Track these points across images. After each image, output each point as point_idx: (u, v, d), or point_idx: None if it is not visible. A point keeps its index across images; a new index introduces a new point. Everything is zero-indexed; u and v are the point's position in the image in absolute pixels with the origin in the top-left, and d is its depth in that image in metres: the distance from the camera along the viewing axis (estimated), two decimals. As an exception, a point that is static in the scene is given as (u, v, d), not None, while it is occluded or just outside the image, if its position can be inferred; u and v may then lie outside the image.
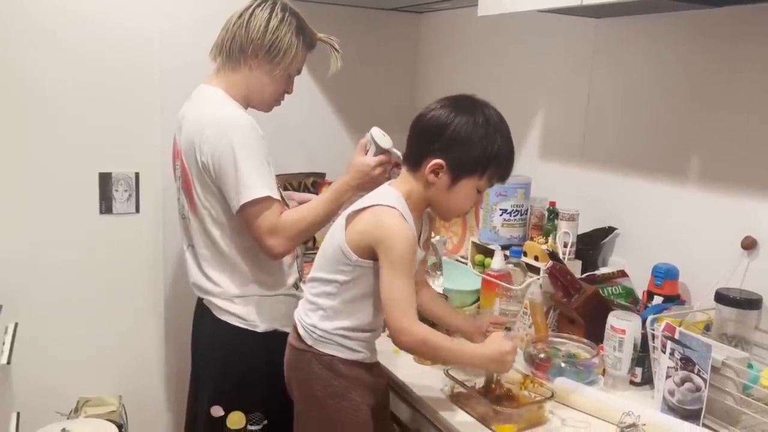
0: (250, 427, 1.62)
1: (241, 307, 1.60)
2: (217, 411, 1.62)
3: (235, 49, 1.58)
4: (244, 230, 1.54)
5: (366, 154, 1.54)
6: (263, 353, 1.57)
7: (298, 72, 1.67)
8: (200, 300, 1.68)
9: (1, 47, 1.95)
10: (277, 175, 1.63)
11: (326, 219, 1.55)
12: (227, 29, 1.60)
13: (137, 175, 2.19)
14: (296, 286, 1.69)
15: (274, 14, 1.56)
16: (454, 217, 1.39)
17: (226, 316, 1.60)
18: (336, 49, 1.68)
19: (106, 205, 2.16)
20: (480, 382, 1.36)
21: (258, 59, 1.58)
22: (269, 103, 1.68)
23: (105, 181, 2.15)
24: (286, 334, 1.52)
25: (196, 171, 1.55)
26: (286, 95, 1.71)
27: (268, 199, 1.49)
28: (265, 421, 1.64)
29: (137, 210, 2.21)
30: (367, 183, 1.52)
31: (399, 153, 1.48)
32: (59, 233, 2.10)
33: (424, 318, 1.54)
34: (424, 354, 1.38)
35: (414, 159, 1.29)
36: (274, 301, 1.63)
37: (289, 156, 2.26)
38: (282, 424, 1.54)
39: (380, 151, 1.52)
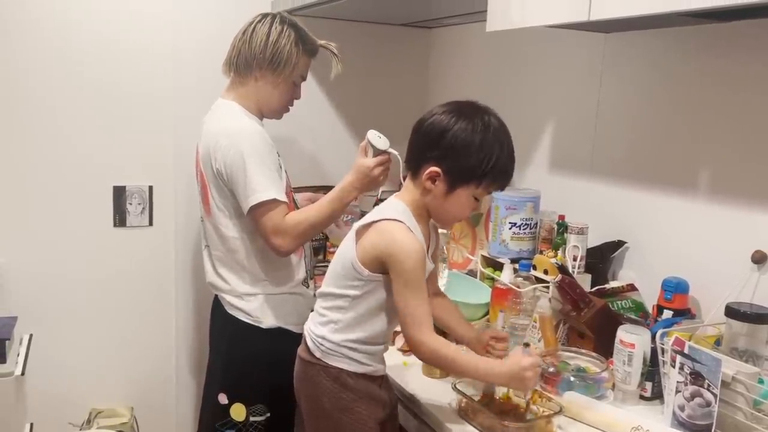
0: (252, 418, 1.72)
1: (249, 303, 1.72)
2: (222, 399, 1.74)
3: (241, 64, 1.70)
4: (253, 232, 1.67)
5: (366, 156, 1.61)
6: (267, 348, 1.70)
7: (303, 79, 1.78)
8: (216, 295, 1.82)
9: (16, 63, 2.00)
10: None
11: (330, 219, 1.68)
12: (234, 46, 1.72)
13: (151, 188, 2.22)
14: (306, 284, 1.78)
15: (273, 28, 1.68)
16: (451, 223, 1.42)
17: (234, 311, 1.73)
18: (335, 54, 1.79)
19: (119, 218, 2.19)
20: (498, 392, 1.36)
21: (262, 71, 1.69)
22: (278, 110, 1.78)
23: (119, 194, 2.18)
24: (290, 332, 1.67)
25: (212, 176, 1.66)
26: (295, 102, 1.81)
27: (274, 201, 1.60)
28: (268, 414, 1.72)
29: (150, 223, 2.24)
30: (369, 183, 1.62)
31: (397, 153, 1.56)
32: (73, 246, 2.13)
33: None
34: (441, 366, 1.38)
35: (413, 165, 1.30)
36: (280, 299, 1.73)
37: (300, 170, 2.28)
38: (285, 417, 1.62)
39: (378, 152, 1.60)
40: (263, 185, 1.59)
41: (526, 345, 1.38)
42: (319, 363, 1.34)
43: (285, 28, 1.69)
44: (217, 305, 1.80)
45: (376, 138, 1.60)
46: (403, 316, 1.25)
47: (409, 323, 1.25)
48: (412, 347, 1.27)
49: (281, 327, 1.71)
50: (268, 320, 1.71)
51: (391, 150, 1.60)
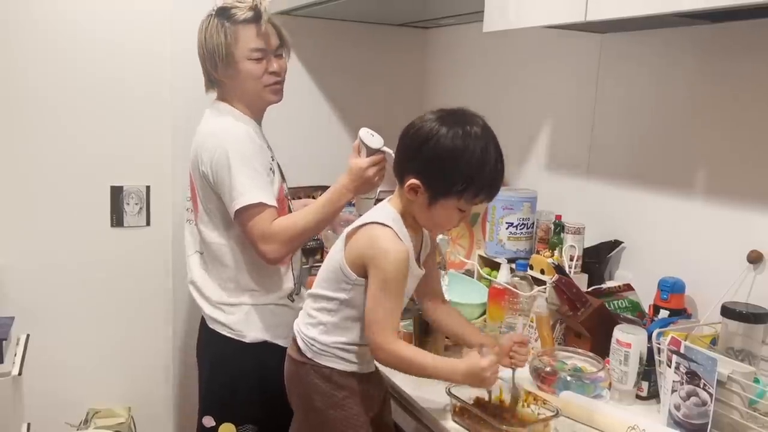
0: None
1: (230, 316, 1.61)
2: (208, 421, 1.64)
3: (207, 77, 1.64)
4: (240, 238, 1.58)
5: (360, 156, 1.53)
6: (251, 364, 1.60)
7: (258, 51, 1.58)
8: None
9: (15, 63, 2.00)
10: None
11: (322, 223, 1.57)
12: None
13: (148, 188, 2.22)
14: (291, 297, 1.68)
15: (202, 27, 1.60)
16: (440, 231, 1.40)
17: (215, 325, 1.63)
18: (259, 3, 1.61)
19: (117, 218, 2.19)
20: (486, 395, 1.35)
21: (217, 70, 1.60)
22: (259, 94, 1.62)
23: (116, 194, 2.18)
24: (276, 346, 1.56)
25: (199, 179, 1.60)
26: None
27: (260, 205, 1.50)
28: None
29: (148, 223, 2.24)
30: (363, 185, 1.53)
31: (391, 151, 1.45)
32: (71, 246, 2.14)
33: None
34: (401, 370, 1.32)
35: (398, 174, 1.28)
36: (264, 311, 1.63)
37: (297, 170, 2.27)
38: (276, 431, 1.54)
39: (371, 151, 1.51)
40: (248, 187, 1.50)
41: (482, 346, 1.32)
42: (310, 362, 1.34)
43: (211, 20, 1.58)
44: (202, 318, 1.70)
45: (369, 136, 1.51)
46: (370, 319, 1.23)
47: (375, 329, 1.23)
48: (373, 350, 1.25)
49: (267, 341, 1.61)
50: (252, 333, 1.61)
51: (385, 148, 1.51)
